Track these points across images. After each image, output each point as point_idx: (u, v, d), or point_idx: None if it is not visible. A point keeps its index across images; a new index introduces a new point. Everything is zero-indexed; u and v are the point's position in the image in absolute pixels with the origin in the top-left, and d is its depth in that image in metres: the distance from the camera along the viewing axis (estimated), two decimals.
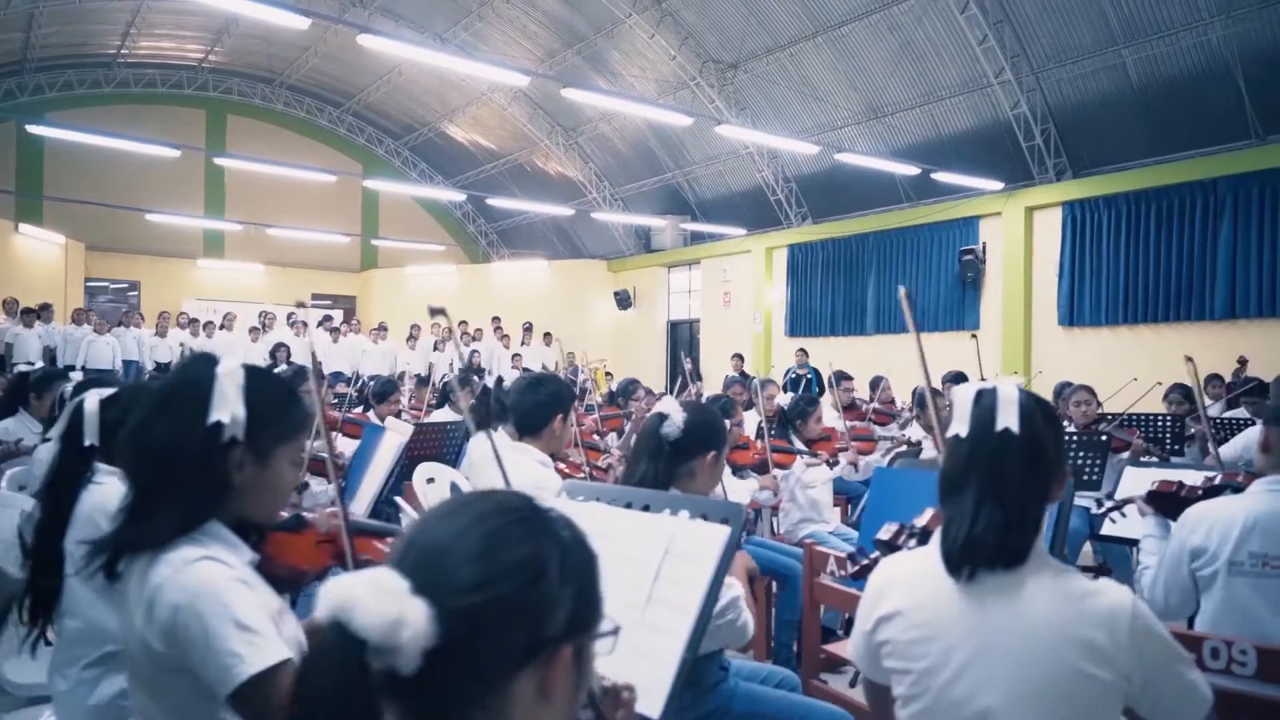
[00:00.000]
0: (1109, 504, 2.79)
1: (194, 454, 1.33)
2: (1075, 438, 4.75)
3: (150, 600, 1.27)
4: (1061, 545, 1.95)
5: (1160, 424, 5.86)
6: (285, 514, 1.80)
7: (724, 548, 1.45)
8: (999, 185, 11.63)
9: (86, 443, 2.04)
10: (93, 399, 2.08)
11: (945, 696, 1.33)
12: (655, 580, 1.49)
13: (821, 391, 10.85)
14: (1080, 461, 4.63)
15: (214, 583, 1.26)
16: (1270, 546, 2.01)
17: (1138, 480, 3.16)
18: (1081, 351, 10.98)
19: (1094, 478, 4.58)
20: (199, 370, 1.38)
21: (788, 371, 13.07)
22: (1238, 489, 2.30)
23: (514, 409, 2.76)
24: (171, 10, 15.01)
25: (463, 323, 16.46)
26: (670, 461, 2.15)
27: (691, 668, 2.09)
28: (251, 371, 1.39)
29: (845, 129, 13.24)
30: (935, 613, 1.36)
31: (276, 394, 1.43)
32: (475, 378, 12.87)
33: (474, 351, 15.45)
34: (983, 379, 2.80)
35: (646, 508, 1.62)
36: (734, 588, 2.01)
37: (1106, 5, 9.81)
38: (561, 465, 3.27)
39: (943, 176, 11.64)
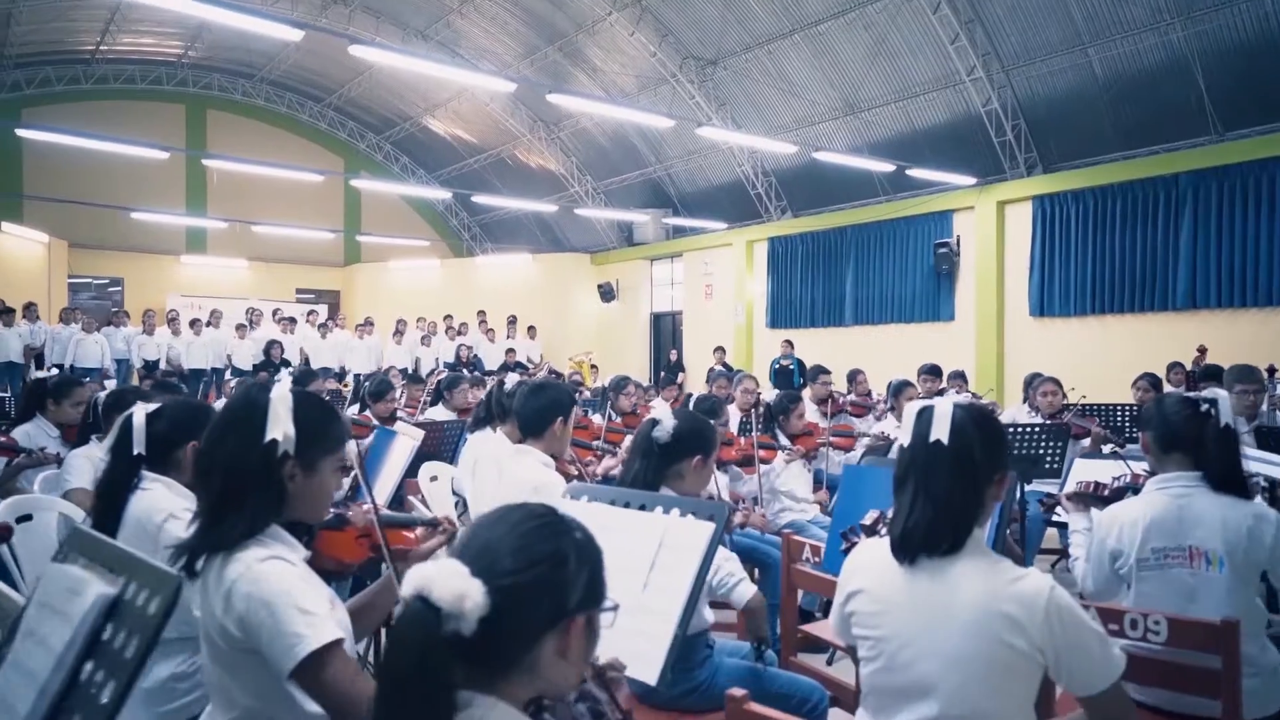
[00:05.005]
0: (1048, 501, 3.08)
1: (255, 468, 1.58)
2: (1037, 427, 5.03)
3: (227, 592, 1.51)
4: (1004, 534, 2.22)
5: (1122, 412, 6.19)
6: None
7: (710, 540, 1.71)
8: (972, 180, 11.96)
9: (135, 452, 2.27)
10: (140, 413, 2.30)
11: (895, 660, 1.60)
12: (651, 569, 1.74)
13: (805, 382, 11.16)
14: (1042, 450, 4.90)
15: (280, 577, 1.50)
16: (1166, 540, 2.27)
17: (1087, 472, 3.44)
18: (1052, 341, 11.35)
19: (1055, 465, 4.84)
20: (256, 396, 1.63)
21: (773, 362, 13.39)
22: (1136, 490, 2.58)
23: (518, 413, 3.00)
24: (151, 6, 14.98)
25: (448, 317, 16.66)
26: (660, 462, 2.40)
27: (682, 646, 2.37)
28: (299, 395, 1.63)
29: (823, 124, 13.52)
30: (888, 591, 1.64)
31: (320, 413, 1.68)
32: (466, 371, 13.10)
33: (461, 346, 15.64)
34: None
35: (642, 507, 1.87)
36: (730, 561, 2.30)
37: (1072, 5, 10.12)
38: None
39: (918, 172, 11.97)
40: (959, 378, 8.36)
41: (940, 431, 1.62)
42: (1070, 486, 3.09)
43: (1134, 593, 2.35)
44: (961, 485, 1.60)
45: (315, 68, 18.11)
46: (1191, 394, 2.46)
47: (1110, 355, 10.28)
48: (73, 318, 13.21)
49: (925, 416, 1.66)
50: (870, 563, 1.71)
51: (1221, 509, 2.24)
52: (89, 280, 18.06)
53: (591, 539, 1.16)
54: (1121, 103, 10.63)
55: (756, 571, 4.18)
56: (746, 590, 2.32)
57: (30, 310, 12.84)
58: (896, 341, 12.93)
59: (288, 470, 1.60)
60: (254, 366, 13.52)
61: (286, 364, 14.21)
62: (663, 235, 17.53)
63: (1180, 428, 2.34)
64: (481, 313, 16.95)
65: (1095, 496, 2.87)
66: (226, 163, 16.26)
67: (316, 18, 14.41)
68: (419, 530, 2.10)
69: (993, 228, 11.98)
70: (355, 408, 6.48)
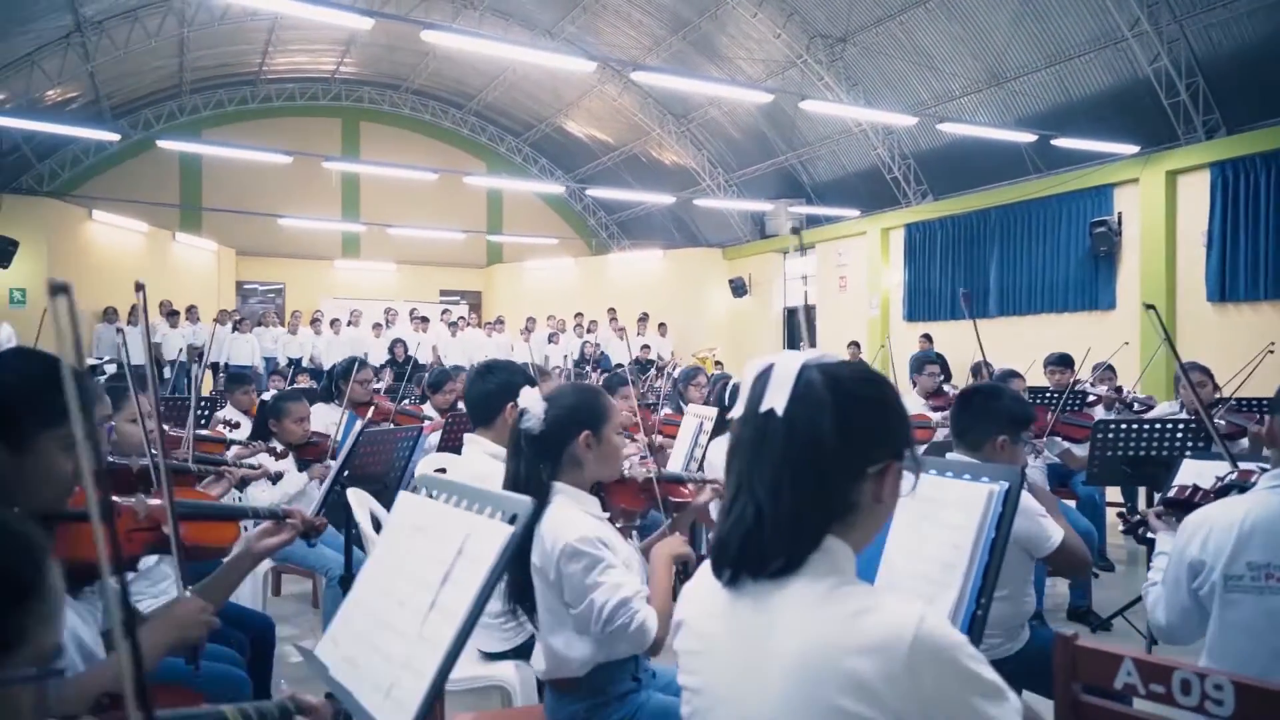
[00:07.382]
0: (1130, 518, 2.39)
1: None
2: (1170, 423, 4.19)
3: None
4: (997, 568, 1.62)
5: None
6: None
7: (501, 551, 1.28)
8: (1134, 149, 10.55)
9: None
10: None
11: None
12: (444, 585, 1.34)
13: (948, 378, 10.23)
14: (1175, 453, 4.08)
15: None
16: (1271, 554, 1.62)
17: (1196, 474, 2.71)
18: (1234, 330, 9.78)
19: None
20: None
21: (912, 358, 12.46)
22: (1244, 488, 1.89)
23: (466, 398, 2.67)
24: (301, 26, 15.92)
25: (578, 314, 16.67)
26: (539, 459, 1.97)
27: (597, 675, 1.93)
28: (4, 356, 1.34)
29: (965, 98, 12.39)
30: (709, 625, 1.16)
31: (33, 377, 1.36)
32: (590, 369, 12.97)
33: (587, 343, 15.59)
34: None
35: (460, 501, 1.47)
36: (623, 588, 1.82)
37: None
38: None
39: (1070, 142, 10.69)
40: (1105, 369, 7.27)
41: (776, 399, 1.10)
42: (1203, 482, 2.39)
43: (1215, 624, 1.70)
44: (797, 475, 1.08)
45: (454, 75, 18.67)
46: None
47: None
48: (228, 319, 14.19)
49: (763, 377, 1.14)
50: (698, 585, 1.21)
51: None
52: (256, 286, 19.50)
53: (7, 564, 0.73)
54: None
55: None
56: (650, 626, 1.81)
57: (191, 312, 13.90)
58: (1048, 334, 11.61)
59: None
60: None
61: (410, 361, 14.69)
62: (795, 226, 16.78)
63: None
64: (611, 310, 16.85)
65: (1190, 504, 2.18)
66: (373, 169, 17.07)
67: (450, 19, 14.78)
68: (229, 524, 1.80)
69: (1161, 202, 10.49)
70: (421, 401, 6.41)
